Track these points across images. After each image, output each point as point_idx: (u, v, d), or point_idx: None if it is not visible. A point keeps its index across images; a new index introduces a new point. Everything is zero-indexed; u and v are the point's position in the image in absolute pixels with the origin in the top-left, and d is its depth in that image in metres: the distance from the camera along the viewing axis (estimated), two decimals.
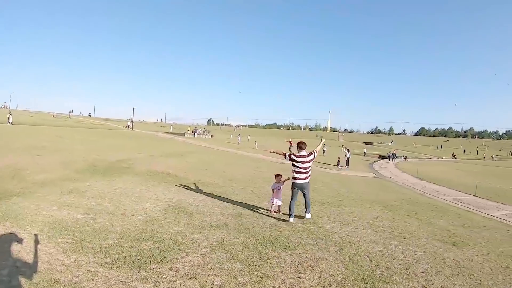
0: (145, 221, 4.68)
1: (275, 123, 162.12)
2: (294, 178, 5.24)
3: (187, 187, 7.92)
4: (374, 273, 3.38)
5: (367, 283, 3.10)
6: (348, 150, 23.20)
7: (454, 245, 4.76)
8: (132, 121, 46.78)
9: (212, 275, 3.03)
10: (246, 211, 5.87)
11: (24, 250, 3.26)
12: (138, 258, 3.31)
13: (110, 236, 3.91)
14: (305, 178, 5.22)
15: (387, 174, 19.05)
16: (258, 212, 5.83)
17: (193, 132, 42.83)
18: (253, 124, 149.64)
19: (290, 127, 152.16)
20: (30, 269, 2.86)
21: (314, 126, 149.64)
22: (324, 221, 5.53)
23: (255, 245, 3.96)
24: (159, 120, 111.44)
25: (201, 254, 3.57)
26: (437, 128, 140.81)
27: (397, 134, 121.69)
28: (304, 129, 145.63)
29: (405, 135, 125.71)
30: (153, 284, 2.77)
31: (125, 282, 2.77)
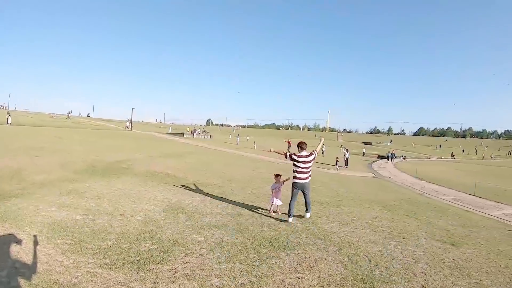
0: (144, 221, 4.67)
1: (274, 123, 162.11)
2: (295, 178, 5.24)
3: (186, 188, 7.91)
4: (373, 273, 3.39)
5: (366, 283, 3.11)
6: (347, 150, 23.24)
7: (453, 244, 4.77)
8: (131, 122, 46.75)
9: (211, 275, 3.03)
10: (245, 211, 5.88)
11: (23, 251, 3.26)
12: (137, 258, 3.31)
13: (109, 237, 3.91)
14: (306, 178, 5.22)
15: (386, 174, 19.09)
16: (257, 213, 5.83)
17: (192, 132, 42.81)
18: (252, 124, 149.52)
19: (289, 127, 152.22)
20: (29, 270, 2.86)
21: (313, 126, 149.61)
22: (323, 221, 5.53)
23: (254, 246, 3.97)
24: (158, 121, 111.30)
25: (200, 254, 3.57)
26: (436, 128, 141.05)
27: (396, 134, 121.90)
28: (303, 129, 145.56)
29: (404, 135, 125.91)
30: (152, 284, 2.77)
31: (124, 282, 2.77)
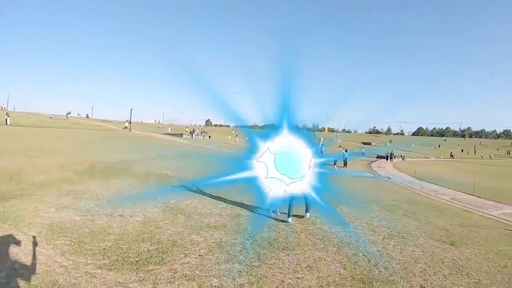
0: (143, 222, 4.67)
1: (272, 123, 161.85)
2: None
3: (185, 188, 7.90)
4: (373, 273, 3.39)
5: (365, 283, 3.11)
6: (346, 150, 23.24)
7: (452, 244, 4.78)
8: (130, 122, 46.63)
9: (210, 276, 3.03)
10: (244, 211, 5.88)
11: (22, 252, 3.25)
12: (136, 259, 3.31)
13: (108, 237, 3.91)
14: None
15: (385, 174, 19.11)
16: (257, 213, 5.83)
17: (191, 133, 42.78)
18: (251, 125, 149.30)
19: None
20: (28, 271, 2.85)
21: (312, 126, 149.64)
22: (322, 222, 5.54)
23: (253, 246, 3.97)
24: (157, 121, 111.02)
25: (199, 255, 3.57)
26: (434, 128, 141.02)
27: (395, 134, 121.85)
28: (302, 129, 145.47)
29: (403, 134, 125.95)
30: (151, 285, 2.77)
31: (123, 283, 2.77)
